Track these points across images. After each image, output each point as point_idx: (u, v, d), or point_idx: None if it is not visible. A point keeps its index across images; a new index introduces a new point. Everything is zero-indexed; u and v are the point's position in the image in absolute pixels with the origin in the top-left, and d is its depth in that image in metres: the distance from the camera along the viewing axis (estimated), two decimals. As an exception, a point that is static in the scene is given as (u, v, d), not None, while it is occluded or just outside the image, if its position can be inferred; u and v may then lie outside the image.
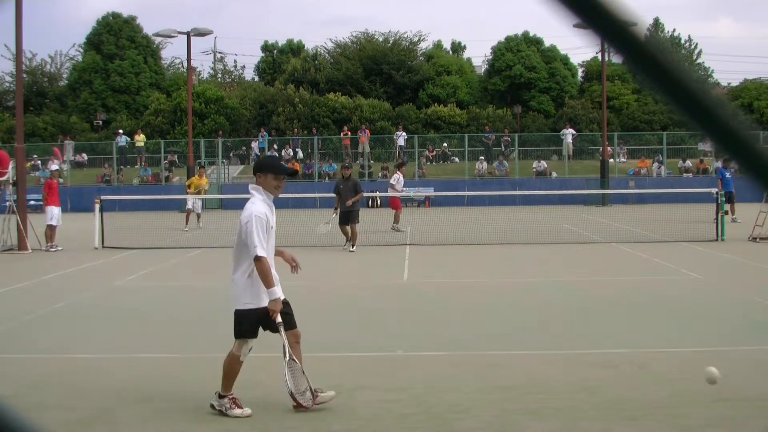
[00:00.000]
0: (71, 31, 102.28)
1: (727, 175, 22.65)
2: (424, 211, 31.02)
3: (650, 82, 0.77)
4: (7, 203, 18.03)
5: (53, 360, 7.55)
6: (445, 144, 41.72)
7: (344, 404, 5.80)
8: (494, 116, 44.74)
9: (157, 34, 35.82)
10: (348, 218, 16.90)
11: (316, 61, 49.98)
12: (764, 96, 45.01)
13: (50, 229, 17.98)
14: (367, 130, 40.51)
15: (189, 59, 34.49)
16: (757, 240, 17.49)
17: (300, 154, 40.29)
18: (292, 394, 5.62)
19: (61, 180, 25.17)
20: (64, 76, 52.24)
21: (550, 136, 42.17)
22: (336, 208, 17.02)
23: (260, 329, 5.81)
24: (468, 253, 16.38)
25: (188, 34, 32.98)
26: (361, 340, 8.21)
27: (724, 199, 18.83)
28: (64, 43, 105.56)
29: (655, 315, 9.39)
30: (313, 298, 10.36)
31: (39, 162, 38.68)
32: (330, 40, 52.04)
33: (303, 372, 5.70)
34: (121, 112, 46.65)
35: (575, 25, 0.83)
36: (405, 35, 49.44)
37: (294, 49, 53.29)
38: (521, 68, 46.20)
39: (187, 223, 23.04)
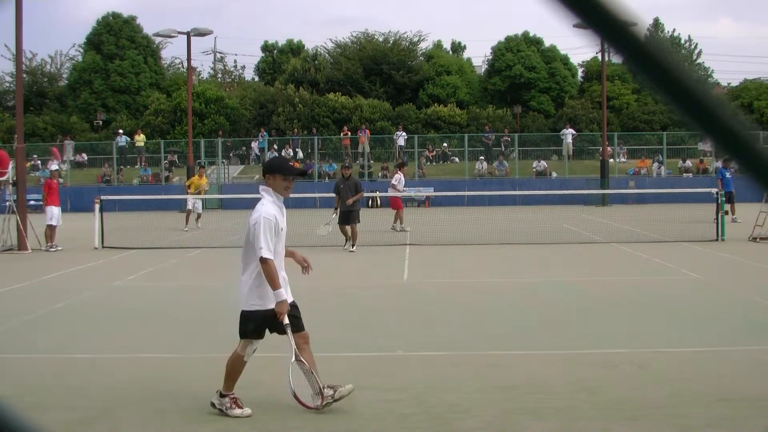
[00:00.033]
0: (71, 31, 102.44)
1: (727, 175, 22.64)
2: (424, 211, 31.03)
3: (650, 82, 0.77)
4: (7, 203, 18.02)
5: (53, 360, 7.55)
6: (445, 144, 41.72)
7: (345, 404, 5.79)
8: (494, 116, 44.74)
9: (157, 34, 35.85)
10: (348, 218, 16.89)
11: (316, 61, 49.95)
12: (764, 96, 44.99)
13: (50, 229, 17.98)
14: (367, 130, 40.50)
15: (189, 59, 34.53)
16: (757, 240, 17.49)
17: (300, 154, 40.30)
18: (295, 395, 5.62)
19: (60, 180, 25.14)
20: (64, 76, 52.24)
21: (550, 136, 42.16)
22: (336, 208, 17.01)
23: (266, 332, 5.80)
24: (468, 253, 16.38)
25: (188, 34, 33.00)
26: (361, 340, 8.21)
27: (724, 199, 18.82)
28: (64, 43, 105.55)
29: (655, 315, 9.38)
30: (313, 298, 10.34)
31: (39, 162, 38.69)
32: (330, 40, 52.14)
33: (313, 373, 5.66)
34: (121, 112, 46.64)
35: (575, 25, 0.83)
36: (405, 35, 49.51)
37: (294, 49, 53.28)
38: (521, 68, 46.20)
39: (187, 223, 23.06)
